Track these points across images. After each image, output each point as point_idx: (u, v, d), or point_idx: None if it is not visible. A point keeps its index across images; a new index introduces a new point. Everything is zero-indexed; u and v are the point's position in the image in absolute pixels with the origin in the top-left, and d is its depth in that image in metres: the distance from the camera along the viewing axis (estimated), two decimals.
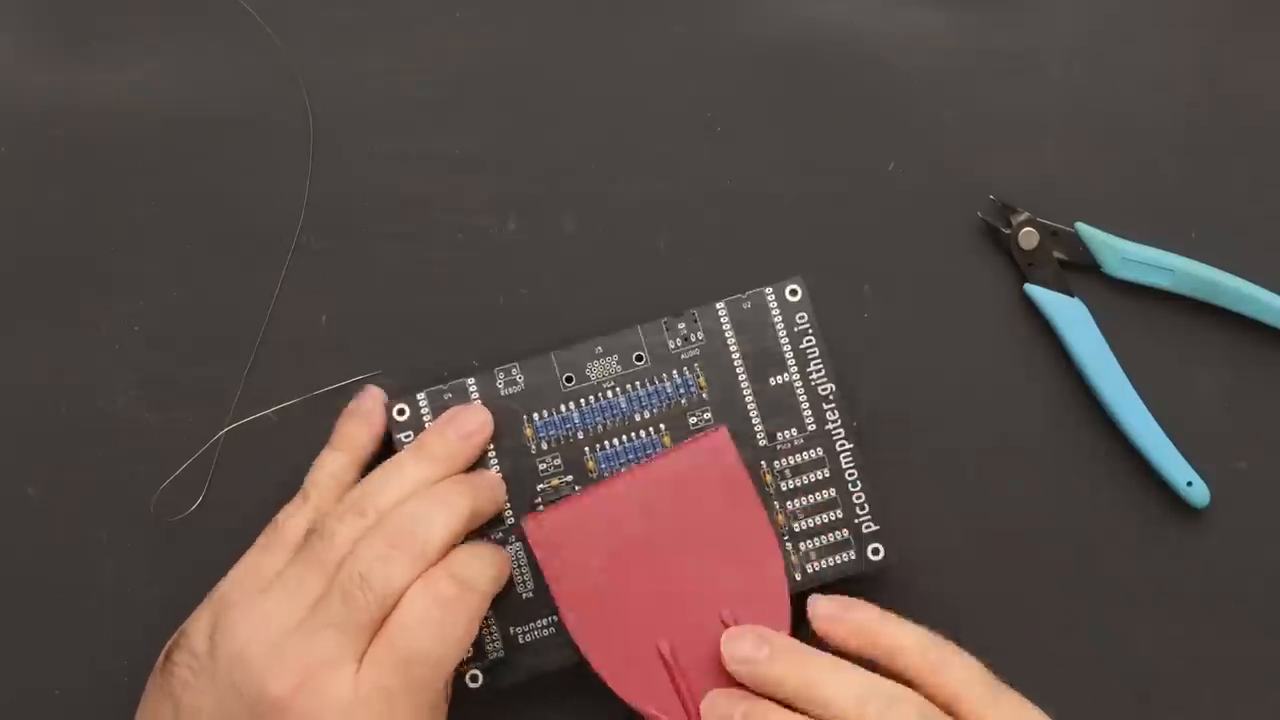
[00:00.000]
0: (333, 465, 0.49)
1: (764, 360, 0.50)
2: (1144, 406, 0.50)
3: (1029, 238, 0.51)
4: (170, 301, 0.52)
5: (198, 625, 0.46)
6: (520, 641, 0.49)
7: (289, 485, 0.50)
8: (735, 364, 0.50)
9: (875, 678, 0.44)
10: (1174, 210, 0.52)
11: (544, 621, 0.49)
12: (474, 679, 0.49)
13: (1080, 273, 0.51)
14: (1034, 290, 0.51)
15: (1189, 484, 0.50)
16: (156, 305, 0.52)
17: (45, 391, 0.51)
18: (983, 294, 0.51)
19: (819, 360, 0.49)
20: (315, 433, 0.51)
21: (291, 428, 0.51)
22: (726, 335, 0.50)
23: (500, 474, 0.49)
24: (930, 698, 0.44)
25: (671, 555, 0.46)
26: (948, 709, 0.44)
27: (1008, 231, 0.51)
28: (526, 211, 0.52)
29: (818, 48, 0.52)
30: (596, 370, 0.50)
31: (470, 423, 0.49)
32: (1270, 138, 0.52)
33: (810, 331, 0.49)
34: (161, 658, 0.46)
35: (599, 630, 0.46)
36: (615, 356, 0.50)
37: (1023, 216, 0.51)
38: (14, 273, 0.52)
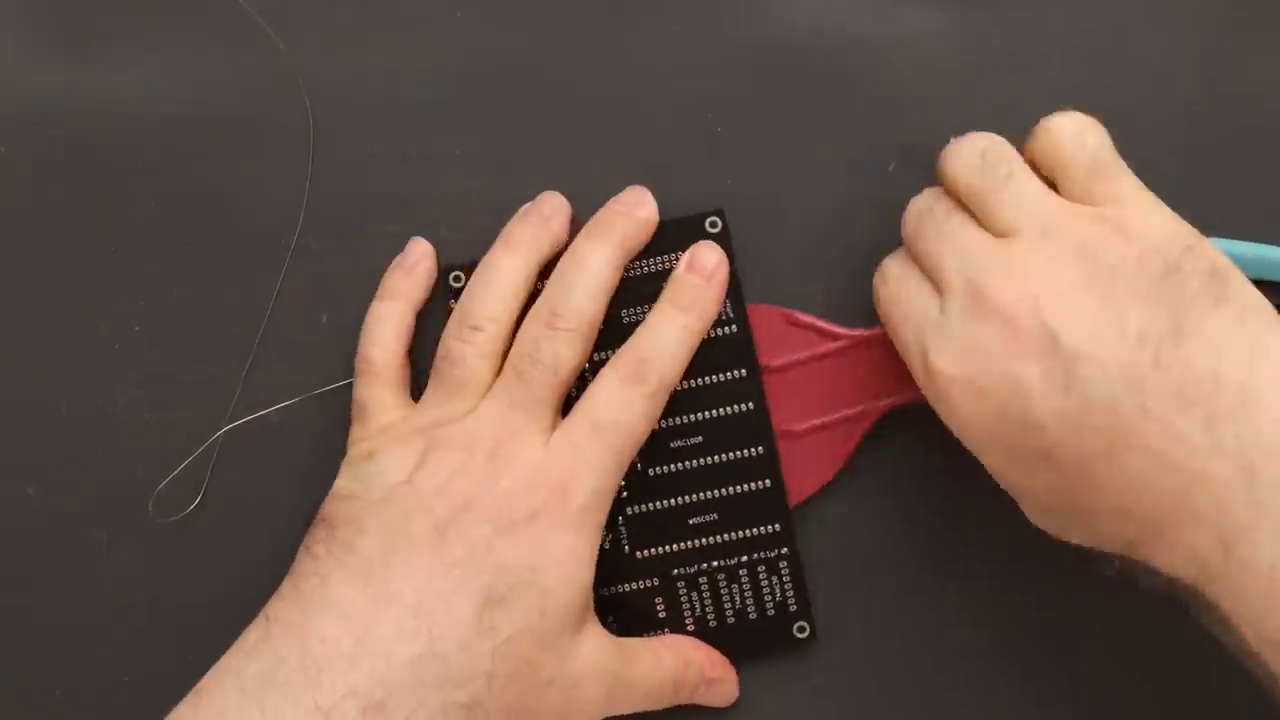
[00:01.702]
0: (389, 312, 0.50)
1: None
2: None
3: None
4: (170, 301, 0.52)
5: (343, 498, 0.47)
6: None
7: (289, 485, 0.50)
8: None
9: None
10: (1178, 207, 0.52)
11: None
12: None
13: None
14: None
15: None
16: (156, 305, 0.52)
17: (45, 391, 0.51)
18: None
19: None
20: (315, 433, 0.51)
21: (291, 428, 0.51)
22: None
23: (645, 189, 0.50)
24: None
25: None
26: None
27: None
28: None
29: (818, 48, 0.52)
30: None
31: (547, 206, 0.50)
32: (1274, 136, 0.52)
33: None
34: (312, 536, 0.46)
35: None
36: None
37: None
38: (14, 273, 0.52)
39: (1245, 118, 0.52)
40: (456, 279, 0.51)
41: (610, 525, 0.50)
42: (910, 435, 0.50)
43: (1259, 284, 0.51)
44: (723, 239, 0.50)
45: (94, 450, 0.51)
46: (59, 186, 0.52)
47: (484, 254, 0.50)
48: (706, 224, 0.50)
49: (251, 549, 0.50)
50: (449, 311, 0.50)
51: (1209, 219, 0.51)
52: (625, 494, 0.50)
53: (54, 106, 0.52)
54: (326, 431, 0.51)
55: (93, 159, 0.52)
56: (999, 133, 0.52)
